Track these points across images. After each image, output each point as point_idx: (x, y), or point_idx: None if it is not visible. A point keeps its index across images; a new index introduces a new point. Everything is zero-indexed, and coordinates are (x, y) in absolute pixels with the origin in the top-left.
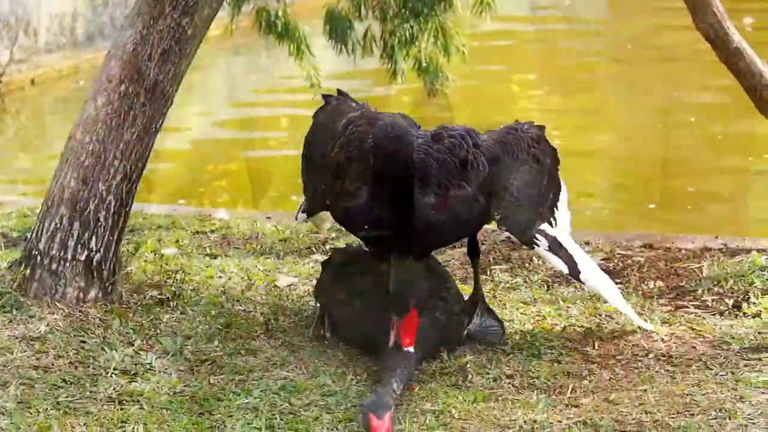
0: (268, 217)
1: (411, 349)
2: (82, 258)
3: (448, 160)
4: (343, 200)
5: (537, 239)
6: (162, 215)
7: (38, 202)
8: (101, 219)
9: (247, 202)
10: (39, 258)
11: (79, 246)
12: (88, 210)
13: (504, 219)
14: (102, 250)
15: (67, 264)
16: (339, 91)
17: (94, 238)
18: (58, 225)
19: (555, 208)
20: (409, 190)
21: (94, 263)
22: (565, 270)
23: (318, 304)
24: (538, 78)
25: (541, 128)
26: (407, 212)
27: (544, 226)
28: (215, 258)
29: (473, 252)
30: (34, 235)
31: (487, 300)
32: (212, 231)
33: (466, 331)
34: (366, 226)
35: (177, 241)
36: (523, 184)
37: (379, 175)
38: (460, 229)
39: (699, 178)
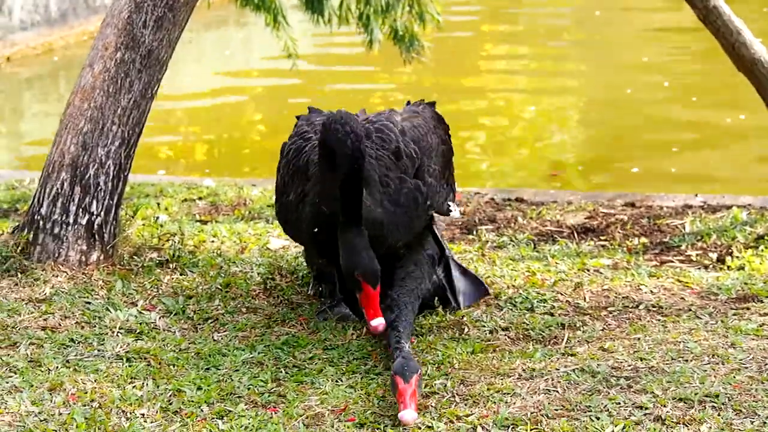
0: (254, 185)
1: (379, 320)
2: (84, 222)
3: (382, 155)
4: (291, 212)
5: (450, 208)
6: (149, 184)
7: (23, 175)
8: (101, 183)
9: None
10: (41, 222)
11: (81, 210)
12: (89, 175)
13: (431, 205)
14: (103, 213)
15: (69, 228)
16: (310, 109)
17: (94, 202)
18: (60, 190)
19: (452, 176)
20: (358, 181)
21: (96, 227)
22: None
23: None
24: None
25: (433, 104)
26: (355, 208)
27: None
28: (206, 223)
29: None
30: (35, 200)
31: (476, 259)
32: (200, 198)
33: (455, 303)
34: (315, 229)
35: (166, 209)
36: (440, 167)
37: (328, 165)
38: (410, 222)
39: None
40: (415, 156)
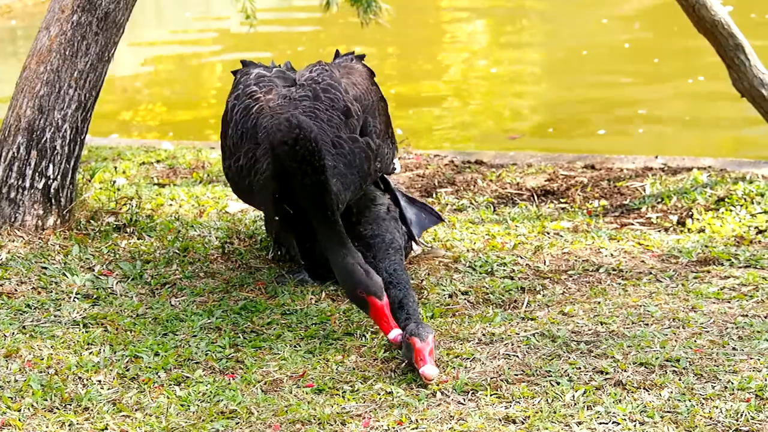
0: (212, 147)
1: (396, 332)
2: (40, 186)
3: (333, 116)
4: (243, 178)
5: (395, 167)
6: (106, 147)
7: None
8: (58, 147)
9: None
10: None
11: (37, 174)
12: (45, 138)
13: (380, 167)
14: (59, 177)
15: (26, 192)
16: (243, 62)
17: (51, 166)
18: (16, 154)
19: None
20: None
21: (52, 191)
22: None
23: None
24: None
25: (362, 57)
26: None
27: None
28: (164, 187)
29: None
30: None
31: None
32: (158, 161)
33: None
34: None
35: (124, 172)
36: (384, 125)
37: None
38: (362, 182)
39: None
40: (359, 114)
